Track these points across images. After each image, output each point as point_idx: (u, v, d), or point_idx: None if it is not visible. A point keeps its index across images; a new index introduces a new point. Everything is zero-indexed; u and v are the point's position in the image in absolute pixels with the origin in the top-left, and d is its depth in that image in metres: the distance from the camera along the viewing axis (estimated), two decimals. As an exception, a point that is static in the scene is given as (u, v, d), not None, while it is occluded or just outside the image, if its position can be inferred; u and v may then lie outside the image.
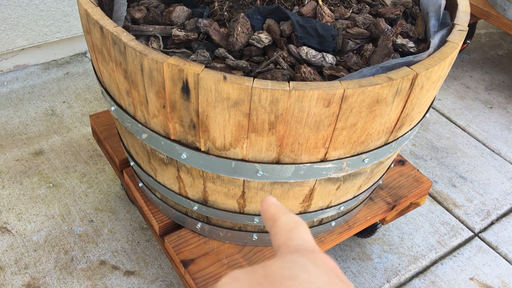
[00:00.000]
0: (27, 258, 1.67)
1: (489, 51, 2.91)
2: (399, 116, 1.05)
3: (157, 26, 1.10)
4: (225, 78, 0.90)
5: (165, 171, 1.20)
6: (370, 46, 1.09)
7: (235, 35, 1.03)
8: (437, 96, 2.55)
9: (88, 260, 1.69)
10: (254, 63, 1.05)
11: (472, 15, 2.56)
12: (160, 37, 1.10)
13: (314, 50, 1.04)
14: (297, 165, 1.05)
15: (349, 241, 1.82)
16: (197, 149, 1.05)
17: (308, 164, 1.05)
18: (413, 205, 1.62)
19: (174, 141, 1.07)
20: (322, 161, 1.06)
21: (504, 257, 1.83)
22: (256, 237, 1.31)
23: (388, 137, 1.10)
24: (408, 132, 1.15)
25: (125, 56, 0.97)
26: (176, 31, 1.08)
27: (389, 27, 1.16)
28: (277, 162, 1.04)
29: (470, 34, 2.76)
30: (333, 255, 1.77)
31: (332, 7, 1.17)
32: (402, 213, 1.62)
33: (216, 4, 1.12)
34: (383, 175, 1.37)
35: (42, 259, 1.67)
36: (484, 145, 2.30)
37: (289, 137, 0.98)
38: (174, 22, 1.12)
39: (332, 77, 1.01)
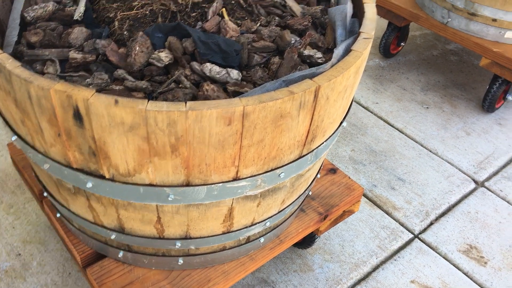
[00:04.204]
0: None
1: (424, 52, 2.97)
2: (309, 129, 1.03)
3: (53, 50, 1.05)
4: (116, 102, 0.85)
5: (75, 200, 1.14)
6: (277, 59, 1.07)
7: (133, 55, 0.98)
8: (374, 100, 2.58)
9: (15, 297, 1.59)
10: (156, 83, 1.01)
11: (402, 17, 2.61)
12: (57, 61, 1.04)
13: (218, 67, 1.01)
14: (209, 186, 1.01)
15: (290, 253, 1.80)
16: (102, 177, 1.00)
17: (221, 184, 1.02)
18: (347, 212, 1.61)
19: (76, 170, 1.01)
20: (234, 179, 1.03)
21: (443, 257, 1.85)
22: (182, 261, 1.26)
23: (301, 150, 1.07)
24: (323, 143, 1.13)
25: (12, 84, 0.91)
26: (73, 54, 1.03)
27: (298, 39, 1.15)
28: (187, 184, 1.00)
29: (403, 37, 2.81)
30: (273, 269, 1.74)
31: (238, 21, 1.14)
32: (336, 222, 1.60)
33: (116, 23, 1.08)
34: (309, 186, 1.35)
35: (-36, 300, 1.57)
36: (421, 145, 2.33)
37: (195, 158, 0.95)
38: (72, 44, 1.07)
39: (236, 94, 0.98)
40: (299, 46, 1.12)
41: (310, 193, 1.49)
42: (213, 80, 1.01)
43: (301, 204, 1.42)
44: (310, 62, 1.10)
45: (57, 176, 1.05)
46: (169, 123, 0.87)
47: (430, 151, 2.30)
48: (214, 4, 1.09)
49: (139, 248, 1.23)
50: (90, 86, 0.96)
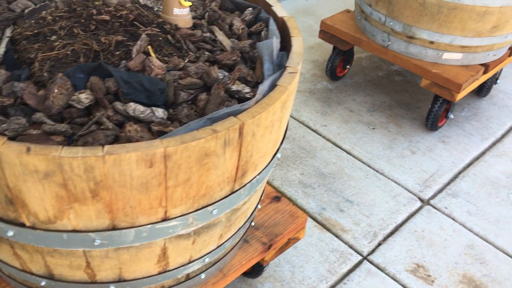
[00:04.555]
0: None
1: (370, 73, 3.05)
2: (238, 165, 1.02)
3: (-30, 95, 1.01)
4: (28, 150, 0.82)
5: (0, 248, 1.09)
6: (204, 96, 1.06)
7: (51, 98, 0.96)
8: (323, 122, 2.61)
9: None
10: (77, 125, 0.98)
11: (346, 42, 2.67)
12: (-26, 106, 1.00)
13: (142, 106, 1.00)
14: (137, 228, 0.99)
15: (240, 283, 1.77)
16: (22, 225, 0.96)
17: (149, 226, 0.99)
18: (293, 240, 1.60)
19: (-5, 219, 0.96)
20: (164, 220, 1.00)
21: (392, 277, 1.87)
22: (119, 304, 1.22)
23: (232, 186, 1.06)
24: (256, 177, 1.13)
25: None
26: (-10, 98, 0.99)
27: (227, 74, 1.15)
28: (113, 228, 0.97)
29: (349, 60, 2.88)
30: (223, 302, 1.70)
31: (166, 58, 1.14)
32: (282, 250, 1.60)
33: (36, 64, 1.05)
34: (249, 218, 1.34)
35: None
36: (368, 166, 2.36)
37: (118, 202, 0.92)
38: (-10, 88, 1.03)
39: (160, 133, 0.97)
40: (228, 82, 1.12)
41: (253, 223, 1.48)
42: (137, 120, 1.00)
43: (243, 236, 1.41)
44: (239, 97, 1.10)
45: (-24, 225, 1.00)
46: (86, 168, 0.85)
47: (377, 171, 2.34)
48: (139, 42, 1.08)
49: (71, 293, 1.18)
50: (6, 132, 0.92)
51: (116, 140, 0.96)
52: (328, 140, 2.51)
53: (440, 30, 2.28)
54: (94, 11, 1.12)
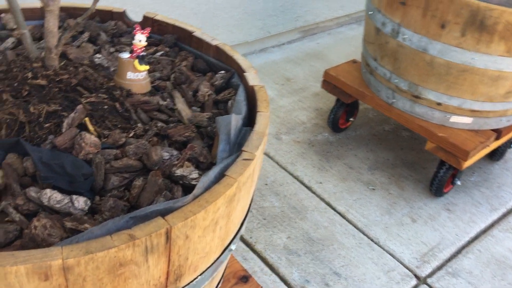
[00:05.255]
0: None
1: (375, 127, 2.87)
2: (168, 270, 0.86)
3: None
4: None
5: None
6: (140, 182, 0.91)
7: (-48, 181, 0.81)
8: (319, 179, 2.43)
9: None
10: (-20, 213, 0.83)
11: (349, 94, 2.51)
12: None
13: (60, 194, 0.85)
14: None
15: None
16: None
17: (55, 338, 0.83)
18: (258, 329, 1.42)
19: None
20: (73, 332, 0.84)
21: None
22: None
23: (164, 292, 0.90)
24: (198, 277, 0.96)
25: None
26: None
27: (175, 153, 0.99)
28: None
29: (352, 112, 2.71)
30: None
31: (107, 131, 0.99)
32: None
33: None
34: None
35: None
36: (362, 233, 2.17)
37: (10, 315, 0.76)
38: None
39: (73, 231, 0.81)
40: (175, 163, 0.97)
41: (209, 312, 1.30)
42: (53, 211, 0.85)
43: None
44: (183, 184, 0.95)
45: None
46: (-37, 281, 0.69)
47: (372, 240, 2.14)
48: (72, 114, 0.94)
49: None
50: None
51: (18, 237, 0.80)
52: (322, 199, 2.32)
53: (449, 92, 2.10)
54: (30, 74, 0.98)
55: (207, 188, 0.87)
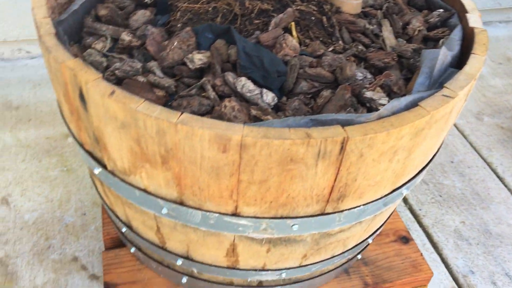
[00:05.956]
0: (10, 234, 1.70)
1: None
2: (333, 185, 0.84)
3: (110, 27, 1.02)
4: (112, 93, 0.78)
5: (96, 182, 1.12)
6: (327, 93, 0.89)
7: (168, 50, 0.90)
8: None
9: (63, 252, 1.66)
10: (183, 84, 0.91)
11: None
12: (109, 39, 1.01)
13: (252, 84, 0.88)
14: (203, 212, 0.89)
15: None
16: (105, 167, 0.95)
17: (217, 215, 0.89)
18: (406, 294, 1.33)
19: (88, 152, 0.97)
20: (233, 215, 0.89)
21: None
22: (185, 280, 1.16)
23: (323, 207, 0.88)
24: (360, 207, 0.92)
25: (44, 50, 0.90)
26: (123, 35, 0.99)
27: (369, 76, 0.95)
28: (181, 203, 0.89)
29: None
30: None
31: (308, 40, 0.98)
32: (388, 299, 1.34)
33: (178, 14, 1.01)
34: (350, 250, 1.13)
35: (23, 239, 1.69)
36: (555, 245, 1.85)
37: (186, 178, 0.83)
38: (130, 26, 1.03)
39: (256, 119, 0.84)
40: (367, 85, 0.92)
41: (360, 256, 1.26)
42: (243, 98, 0.88)
43: (340, 266, 1.21)
44: (370, 107, 0.90)
45: (80, 152, 1.03)
46: (158, 131, 0.77)
47: None
48: (281, 15, 0.95)
49: (146, 250, 1.17)
50: (116, 71, 0.90)
51: (209, 112, 0.86)
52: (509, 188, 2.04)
53: None
54: (251, -27, 1.02)
55: (395, 113, 0.81)
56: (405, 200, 1.98)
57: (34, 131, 2.10)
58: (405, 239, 1.36)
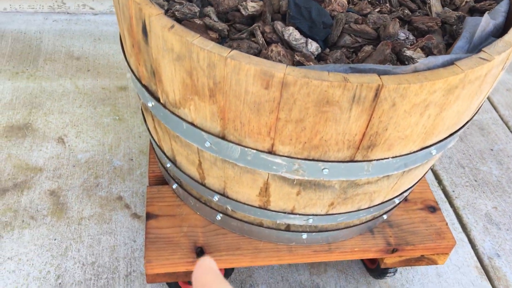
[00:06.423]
0: (64, 170, 1.85)
1: None
2: (365, 131, 0.90)
3: (176, -27, 1.11)
4: (171, 27, 0.87)
5: (148, 118, 1.22)
6: (369, 48, 0.95)
7: (224, -4, 0.98)
8: (557, 167, 2.11)
9: (109, 191, 1.80)
10: (235, 29, 0.99)
11: None
12: (172, -16, 1.10)
13: (299, 34, 0.95)
14: (242, 147, 0.97)
15: (359, 276, 1.64)
16: (158, 100, 1.04)
17: (254, 151, 0.97)
18: (426, 260, 1.38)
19: (143, 86, 1.07)
20: (269, 152, 0.97)
21: None
22: (220, 218, 1.26)
23: (353, 153, 0.95)
24: (389, 159, 0.98)
25: (112, -12, 1.00)
26: (186, -19, 1.07)
27: (412, 37, 0.99)
28: (223, 137, 0.98)
29: None
30: (333, 281, 1.61)
31: (356, 0, 1.04)
32: (409, 263, 1.39)
33: (235, -34, 1.08)
34: (375, 206, 1.19)
35: (75, 175, 1.84)
36: None
37: (230, 111, 0.92)
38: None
39: (298, 64, 0.91)
40: (408, 45, 0.97)
41: (385, 217, 1.32)
42: (289, 46, 0.95)
43: (365, 222, 1.27)
44: (407, 65, 0.95)
45: (134, 86, 1.14)
46: (209, 64, 0.86)
47: None
48: (330, -28, 1.01)
49: (186, 186, 1.27)
50: (176, 12, 0.99)
51: (256, 55, 0.94)
52: (552, 188, 2.02)
53: None
54: None
55: (430, 69, 0.86)
56: (439, 181, 2.01)
57: (91, 80, 2.24)
58: (433, 209, 1.41)
